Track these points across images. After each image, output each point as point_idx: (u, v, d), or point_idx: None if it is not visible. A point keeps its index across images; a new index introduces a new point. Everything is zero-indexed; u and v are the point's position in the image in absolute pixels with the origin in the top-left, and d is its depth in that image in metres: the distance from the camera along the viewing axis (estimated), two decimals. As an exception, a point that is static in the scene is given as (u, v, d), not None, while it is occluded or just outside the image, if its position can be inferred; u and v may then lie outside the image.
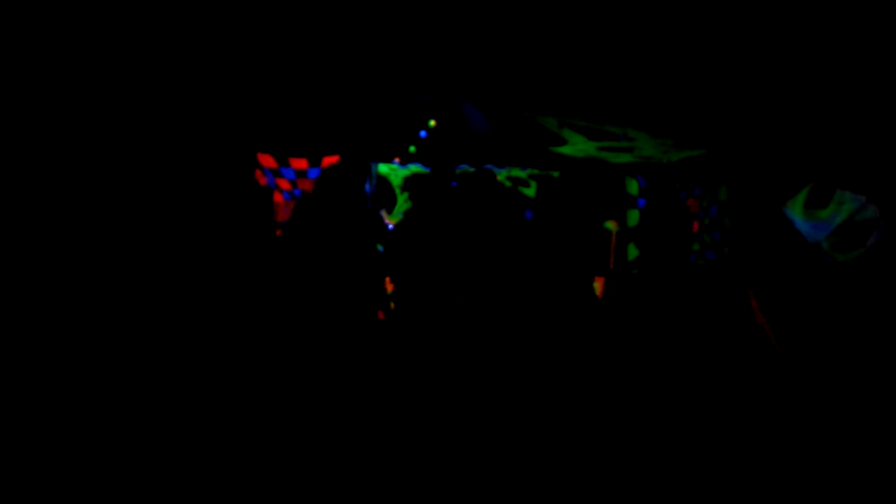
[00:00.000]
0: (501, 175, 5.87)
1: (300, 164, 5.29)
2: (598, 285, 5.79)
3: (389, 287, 5.61)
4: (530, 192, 6.06)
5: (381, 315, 5.61)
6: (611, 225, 5.78)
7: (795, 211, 4.33)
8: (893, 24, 3.32)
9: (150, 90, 4.02)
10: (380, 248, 5.44)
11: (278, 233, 5.18)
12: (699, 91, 4.09)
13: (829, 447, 3.49)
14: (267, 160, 5.20)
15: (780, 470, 3.28)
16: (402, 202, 6.05)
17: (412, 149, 5.86)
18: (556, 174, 5.84)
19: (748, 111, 4.10)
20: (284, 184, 5.34)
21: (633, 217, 5.71)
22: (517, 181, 5.97)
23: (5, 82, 3.54)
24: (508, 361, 4.93)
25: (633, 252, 5.69)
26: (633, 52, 4.13)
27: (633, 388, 4.49)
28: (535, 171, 6.07)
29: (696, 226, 5.58)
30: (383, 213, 5.85)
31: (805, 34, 3.58)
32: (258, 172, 5.23)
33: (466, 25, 4.25)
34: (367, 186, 6.02)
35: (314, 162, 5.31)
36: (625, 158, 5.27)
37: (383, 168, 6.05)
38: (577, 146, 5.16)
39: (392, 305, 5.59)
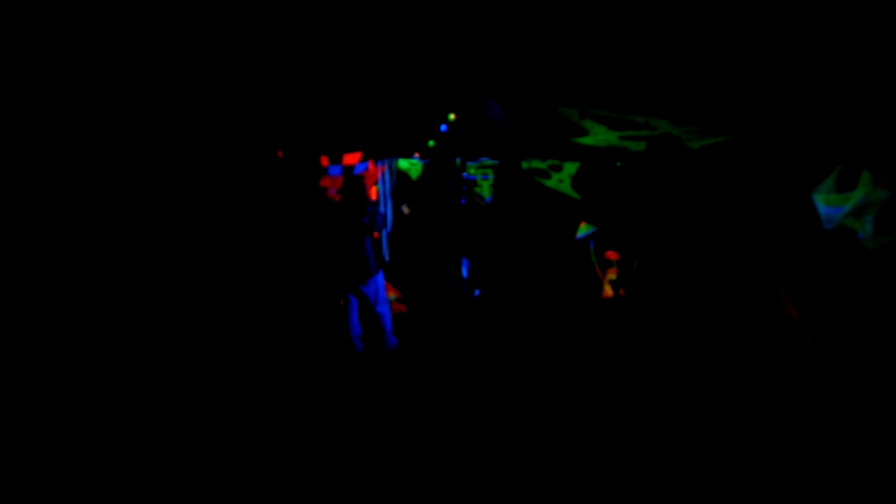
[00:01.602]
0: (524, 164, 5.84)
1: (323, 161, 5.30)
2: (610, 276, 5.74)
3: (394, 291, 5.62)
4: (551, 183, 6.03)
5: (401, 308, 5.63)
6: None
7: (820, 197, 4.26)
8: None
9: (155, 91, 4.05)
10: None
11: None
12: (724, 78, 4.02)
13: (855, 441, 3.44)
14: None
15: (808, 464, 3.24)
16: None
17: (431, 143, 5.86)
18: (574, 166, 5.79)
19: (773, 97, 4.02)
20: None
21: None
22: (538, 172, 5.94)
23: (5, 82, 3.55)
24: (520, 356, 4.92)
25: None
26: (653, 42, 4.06)
27: (657, 380, 4.46)
28: (556, 162, 6.04)
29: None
30: (404, 209, 5.84)
31: (833, 21, 3.50)
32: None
33: (486, 18, 4.22)
34: (387, 182, 6.04)
35: (334, 159, 5.32)
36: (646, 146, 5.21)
37: (403, 163, 6.06)
38: (598, 136, 5.12)
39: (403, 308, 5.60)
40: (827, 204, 4.63)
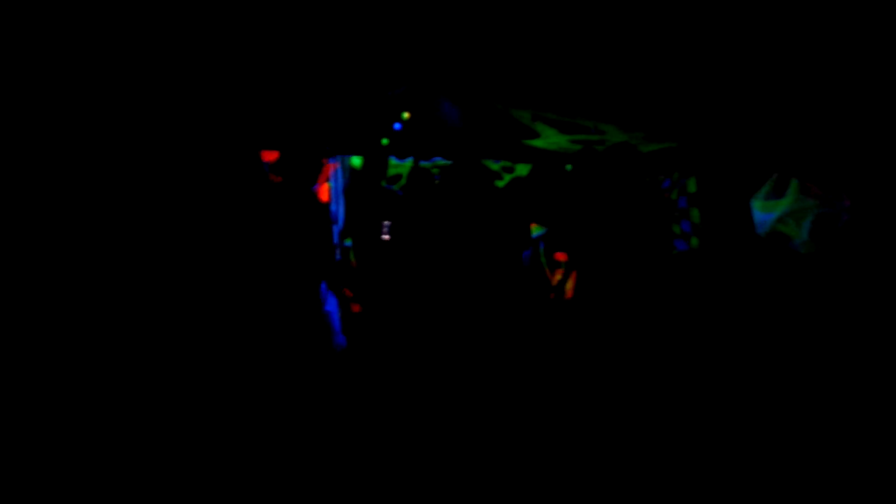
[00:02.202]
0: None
1: (271, 156, 5.23)
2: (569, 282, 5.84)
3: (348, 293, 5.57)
4: (503, 184, 6.11)
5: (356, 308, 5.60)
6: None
7: (757, 203, 4.46)
8: (860, 19, 3.42)
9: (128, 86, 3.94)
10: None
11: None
12: (670, 85, 4.17)
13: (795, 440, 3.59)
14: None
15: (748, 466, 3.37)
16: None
17: (385, 141, 5.85)
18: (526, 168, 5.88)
19: (718, 104, 4.19)
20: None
21: None
22: (491, 173, 6.00)
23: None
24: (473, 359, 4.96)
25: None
26: (605, 47, 4.17)
27: (604, 380, 4.56)
28: (508, 164, 6.13)
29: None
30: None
31: (772, 30, 3.67)
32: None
33: (440, 18, 4.25)
34: (339, 179, 6.00)
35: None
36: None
37: (356, 161, 6.03)
38: (549, 139, 5.22)
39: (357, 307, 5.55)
40: (761, 210, 4.86)
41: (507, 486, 3.11)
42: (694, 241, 5.45)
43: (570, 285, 5.82)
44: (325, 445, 3.41)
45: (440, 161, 6.02)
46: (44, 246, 3.62)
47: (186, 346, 4.06)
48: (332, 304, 4.94)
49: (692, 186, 5.55)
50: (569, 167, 5.71)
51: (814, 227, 4.37)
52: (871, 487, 3.02)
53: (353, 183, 5.98)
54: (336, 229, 5.84)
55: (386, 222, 5.62)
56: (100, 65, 3.86)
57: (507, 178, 5.99)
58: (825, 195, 4.46)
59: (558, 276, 5.88)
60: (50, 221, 3.65)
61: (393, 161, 5.96)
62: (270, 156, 5.20)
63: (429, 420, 3.85)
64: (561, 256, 5.89)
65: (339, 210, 5.93)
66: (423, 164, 5.94)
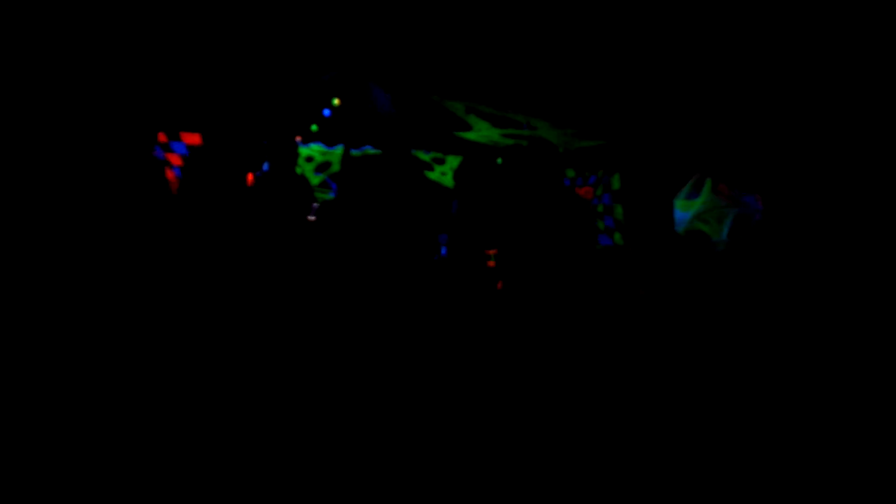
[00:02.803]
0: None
1: (193, 139, 5.00)
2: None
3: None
4: (434, 175, 6.08)
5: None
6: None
7: (678, 202, 4.67)
8: (784, 14, 3.59)
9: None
10: None
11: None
12: (600, 83, 4.26)
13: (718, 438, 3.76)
14: (159, 135, 4.88)
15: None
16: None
17: (314, 127, 5.69)
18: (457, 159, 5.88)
19: (644, 104, 4.33)
20: (175, 159, 5.03)
21: None
22: (422, 164, 5.96)
23: None
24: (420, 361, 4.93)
25: None
26: (539, 43, 4.21)
27: (534, 375, 4.64)
28: (439, 155, 6.09)
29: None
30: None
31: (700, 29, 3.80)
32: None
33: (378, 4, 4.16)
34: (266, 164, 5.79)
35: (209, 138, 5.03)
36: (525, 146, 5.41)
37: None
38: (481, 132, 5.24)
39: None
40: (680, 209, 5.09)
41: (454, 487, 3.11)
42: (617, 237, 5.63)
43: (497, 277, 5.89)
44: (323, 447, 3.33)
45: (370, 150, 5.92)
46: (44, 246, 3.40)
47: (192, 340, 3.91)
48: None
49: (616, 183, 5.72)
50: (499, 161, 5.76)
51: (732, 227, 4.61)
52: (845, 482, 3.19)
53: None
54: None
55: (315, 204, 5.48)
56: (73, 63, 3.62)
57: (438, 169, 5.97)
58: (735, 195, 4.72)
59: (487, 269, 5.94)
60: (50, 221, 3.43)
61: (322, 148, 5.81)
62: (192, 138, 4.97)
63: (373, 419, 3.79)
64: (489, 250, 5.96)
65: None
66: (354, 152, 5.82)
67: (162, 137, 4.92)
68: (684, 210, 5.09)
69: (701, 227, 4.77)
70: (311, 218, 5.40)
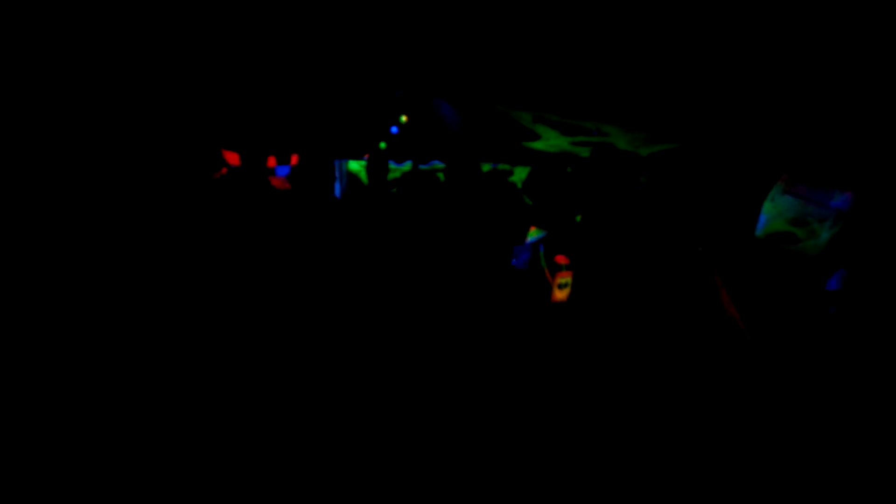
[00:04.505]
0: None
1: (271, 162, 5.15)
2: (568, 281, 5.79)
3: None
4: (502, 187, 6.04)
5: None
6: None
7: (765, 204, 4.45)
8: (862, 21, 3.42)
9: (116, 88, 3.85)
10: None
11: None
12: (675, 86, 4.14)
13: (802, 441, 3.58)
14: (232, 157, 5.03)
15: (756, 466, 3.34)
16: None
17: (383, 145, 5.77)
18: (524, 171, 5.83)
19: (722, 106, 4.17)
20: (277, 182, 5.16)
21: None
22: (490, 177, 5.95)
23: None
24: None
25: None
26: (608, 48, 4.15)
27: (609, 383, 4.52)
28: (507, 167, 6.06)
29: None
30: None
31: (776, 32, 3.66)
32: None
33: (440, 19, 4.20)
34: (337, 184, 5.92)
35: (283, 160, 5.19)
36: (597, 153, 5.30)
37: (354, 165, 5.95)
38: (549, 141, 5.18)
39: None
40: (763, 212, 4.85)
41: (513, 487, 3.06)
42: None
43: (569, 289, 5.78)
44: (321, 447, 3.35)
45: (438, 165, 5.95)
46: (43, 246, 3.55)
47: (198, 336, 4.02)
48: None
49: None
50: (569, 169, 5.67)
51: (811, 227, 4.36)
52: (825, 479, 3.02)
53: (351, 187, 5.91)
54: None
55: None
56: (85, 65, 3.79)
57: (509, 180, 5.94)
58: (806, 192, 4.42)
59: (559, 280, 5.84)
60: (49, 221, 3.58)
61: (391, 165, 5.88)
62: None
63: (430, 422, 3.78)
64: (561, 259, 5.85)
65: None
66: (422, 167, 5.87)
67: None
68: (766, 212, 4.85)
69: (788, 229, 4.53)
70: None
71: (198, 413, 3.55)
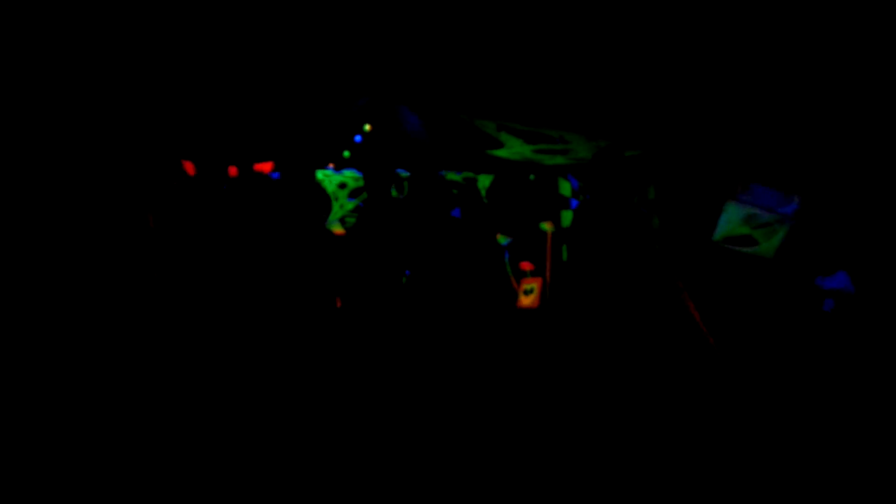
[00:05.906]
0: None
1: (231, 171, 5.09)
2: (533, 287, 5.86)
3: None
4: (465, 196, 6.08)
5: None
6: (546, 226, 5.86)
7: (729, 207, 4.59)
8: (820, 21, 3.55)
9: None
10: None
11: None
12: (634, 94, 4.24)
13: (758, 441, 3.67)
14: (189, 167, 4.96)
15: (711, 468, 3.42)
16: (337, 209, 5.92)
17: (346, 154, 5.75)
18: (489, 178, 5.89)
19: (680, 114, 4.29)
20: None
21: (567, 218, 5.84)
22: (453, 184, 5.97)
23: None
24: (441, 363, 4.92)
25: (566, 253, 5.82)
26: (569, 56, 4.22)
27: (574, 388, 4.58)
28: (470, 175, 6.10)
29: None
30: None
31: (734, 36, 3.78)
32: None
33: (404, 28, 4.22)
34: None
35: (245, 169, 5.12)
36: (559, 160, 5.39)
37: (317, 174, 5.90)
38: (513, 149, 5.24)
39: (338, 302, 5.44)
40: (721, 217, 5.00)
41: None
42: (655, 247, 5.54)
43: (536, 295, 5.85)
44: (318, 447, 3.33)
45: (402, 173, 5.95)
46: (43, 246, 3.49)
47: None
48: None
49: (651, 194, 5.65)
50: (532, 177, 5.74)
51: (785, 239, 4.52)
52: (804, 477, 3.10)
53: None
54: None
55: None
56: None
57: (472, 188, 5.97)
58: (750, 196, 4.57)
59: (524, 286, 5.89)
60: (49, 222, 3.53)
61: (354, 174, 5.86)
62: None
63: (405, 423, 3.78)
64: (526, 265, 5.92)
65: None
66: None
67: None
68: (724, 218, 4.99)
69: (744, 231, 4.67)
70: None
71: (186, 415, 3.50)
